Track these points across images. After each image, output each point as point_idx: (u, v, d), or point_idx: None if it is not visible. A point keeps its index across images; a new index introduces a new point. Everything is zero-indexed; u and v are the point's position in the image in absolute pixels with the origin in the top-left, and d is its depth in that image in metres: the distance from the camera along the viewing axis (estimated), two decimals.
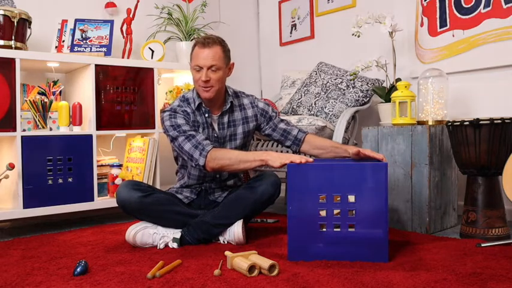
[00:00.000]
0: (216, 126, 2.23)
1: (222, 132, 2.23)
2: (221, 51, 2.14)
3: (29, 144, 2.43)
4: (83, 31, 2.82)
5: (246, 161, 1.99)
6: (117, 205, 2.11)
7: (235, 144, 2.26)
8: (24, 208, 2.40)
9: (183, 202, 2.21)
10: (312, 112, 2.93)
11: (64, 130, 2.62)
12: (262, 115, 2.31)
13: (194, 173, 2.21)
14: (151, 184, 2.84)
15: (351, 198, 1.76)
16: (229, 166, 2.02)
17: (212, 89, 2.13)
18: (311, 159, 1.84)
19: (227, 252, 1.71)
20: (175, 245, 2.04)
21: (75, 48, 2.78)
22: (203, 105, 2.20)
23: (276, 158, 1.92)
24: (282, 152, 2.63)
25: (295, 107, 3.05)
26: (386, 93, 2.70)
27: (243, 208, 2.09)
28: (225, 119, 2.24)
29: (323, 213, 1.78)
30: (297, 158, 1.82)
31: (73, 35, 2.81)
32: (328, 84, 2.98)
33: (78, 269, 1.65)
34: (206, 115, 2.20)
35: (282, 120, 2.34)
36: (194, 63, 2.13)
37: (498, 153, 2.04)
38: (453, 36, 2.73)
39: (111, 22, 2.89)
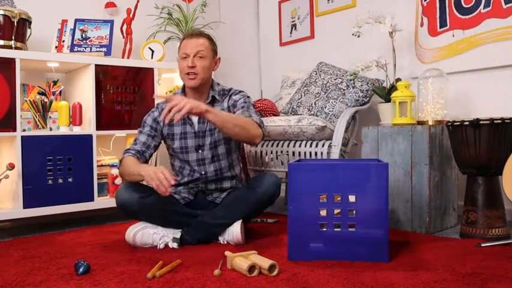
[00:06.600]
0: (195, 120, 2.22)
1: (201, 126, 2.21)
2: (208, 42, 2.21)
3: (29, 144, 2.43)
4: (83, 31, 2.82)
5: (132, 174, 2.06)
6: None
7: (215, 138, 2.20)
8: (24, 208, 2.40)
9: (181, 202, 2.21)
10: (312, 112, 2.92)
11: (64, 130, 2.62)
12: (233, 106, 2.24)
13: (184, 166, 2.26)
14: None
15: (352, 198, 1.76)
16: (122, 175, 2.15)
17: (197, 77, 2.14)
18: (166, 182, 1.87)
19: (227, 252, 1.71)
20: (175, 245, 2.04)
21: (75, 48, 2.78)
22: None
23: (150, 172, 1.93)
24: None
25: (295, 107, 3.05)
26: (386, 93, 2.70)
27: (243, 208, 2.09)
28: None
29: (323, 212, 1.78)
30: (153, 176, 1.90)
31: (73, 35, 2.81)
32: (328, 84, 2.97)
33: (81, 269, 1.66)
34: None
35: (246, 110, 2.19)
36: (181, 52, 2.19)
37: (498, 153, 2.04)
38: (453, 36, 2.73)
39: (111, 22, 2.89)
